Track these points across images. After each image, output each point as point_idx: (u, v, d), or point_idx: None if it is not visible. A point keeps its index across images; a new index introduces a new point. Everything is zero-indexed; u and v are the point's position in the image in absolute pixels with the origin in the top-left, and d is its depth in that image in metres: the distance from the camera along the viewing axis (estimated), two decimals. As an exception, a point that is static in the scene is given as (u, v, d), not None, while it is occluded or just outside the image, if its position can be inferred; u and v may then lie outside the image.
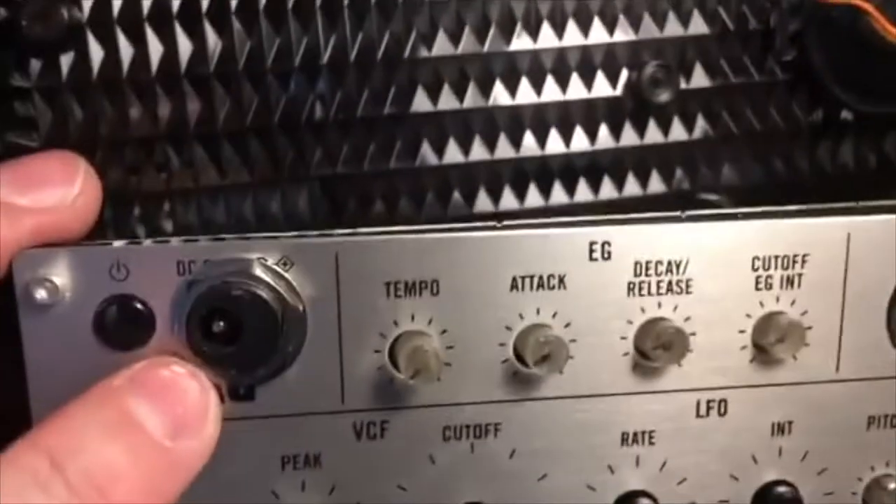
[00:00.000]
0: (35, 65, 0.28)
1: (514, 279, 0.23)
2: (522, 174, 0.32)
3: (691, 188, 0.33)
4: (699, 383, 0.24)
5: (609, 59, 0.31)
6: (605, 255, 0.23)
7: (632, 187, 0.33)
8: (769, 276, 0.23)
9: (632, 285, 0.23)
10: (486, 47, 0.31)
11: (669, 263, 0.23)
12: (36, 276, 0.21)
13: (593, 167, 0.32)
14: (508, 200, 0.32)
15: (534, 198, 0.32)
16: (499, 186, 0.32)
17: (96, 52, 0.29)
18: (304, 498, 0.23)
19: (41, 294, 0.21)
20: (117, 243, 0.22)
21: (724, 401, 0.24)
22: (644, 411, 0.24)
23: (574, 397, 0.24)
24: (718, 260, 0.23)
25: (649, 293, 0.23)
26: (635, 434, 0.24)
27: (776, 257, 0.23)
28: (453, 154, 0.31)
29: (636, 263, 0.23)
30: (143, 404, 0.20)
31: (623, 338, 0.23)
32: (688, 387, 0.24)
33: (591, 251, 0.23)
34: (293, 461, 0.23)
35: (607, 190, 0.33)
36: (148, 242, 0.22)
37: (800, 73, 0.33)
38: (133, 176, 0.30)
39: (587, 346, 0.23)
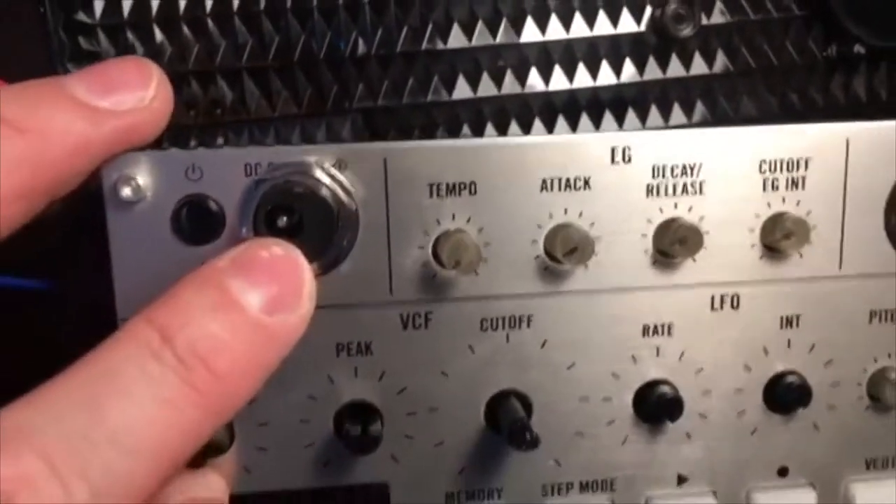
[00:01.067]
0: (98, 3, 0.32)
1: (543, 181, 0.26)
2: (551, 107, 0.35)
3: (711, 120, 0.36)
4: (713, 279, 0.27)
5: (634, -4, 0.34)
6: (626, 159, 0.26)
7: (654, 119, 0.36)
8: (775, 179, 0.26)
9: (650, 187, 0.26)
10: (517, -15, 0.34)
11: (684, 167, 0.26)
12: (122, 175, 0.25)
13: (618, 100, 0.35)
14: (538, 131, 0.35)
15: (562, 129, 0.35)
16: (529, 119, 0.35)
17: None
18: (357, 383, 0.27)
19: (126, 192, 0.24)
20: (190, 151, 0.25)
21: (737, 295, 0.27)
22: (663, 305, 0.27)
23: (599, 291, 0.27)
24: (729, 163, 0.26)
25: (666, 194, 0.26)
26: (655, 326, 0.27)
27: (781, 161, 0.26)
28: (487, 87, 0.35)
29: (654, 167, 0.26)
30: (243, 283, 0.22)
31: (643, 235, 0.26)
32: (703, 281, 0.27)
33: (613, 155, 0.26)
34: (346, 348, 0.27)
35: (631, 122, 0.36)
36: (216, 149, 0.25)
37: (815, 8, 0.35)
38: (190, 110, 0.33)
39: (610, 244, 0.26)
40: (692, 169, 0.26)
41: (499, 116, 0.35)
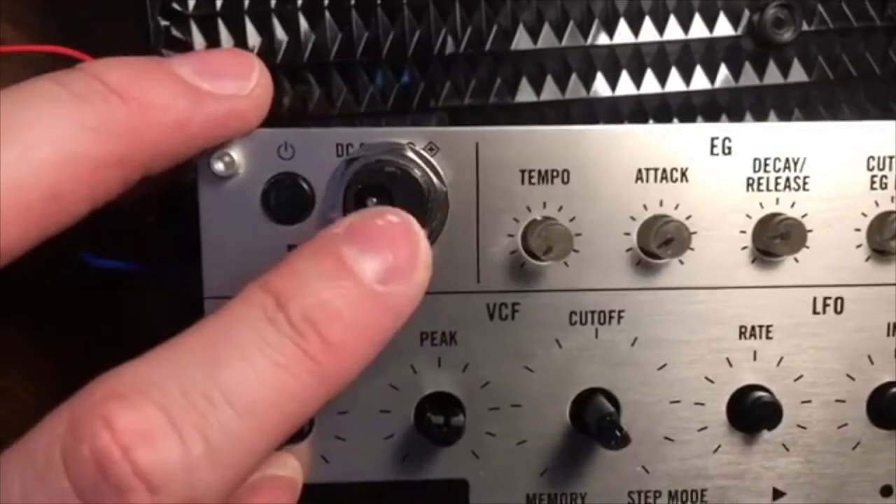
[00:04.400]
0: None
1: (638, 171, 0.26)
2: (642, 111, 0.35)
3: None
4: (816, 280, 0.27)
5: (731, 0, 0.34)
6: (726, 151, 0.26)
7: (749, 127, 0.35)
8: (884, 177, 0.26)
9: (751, 181, 0.26)
10: (611, -14, 0.34)
11: (787, 161, 0.26)
12: (216, 150, 0.25)
13: (712, 106, 0.35)
14: (628, 135, 0.35)
15: (653, 134, 0.35)
16: (619, 121, 0.35)
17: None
18: (440, 374, 0.27)
19: (219, 166, 0.25)
20: (283, 129, 0.26)
21: (841, 298, 0.27)
22: (762, 305, 0.27)
23: (694, 288, 0.27)
24: (835, 159, 0.26)
25: (767, 189, 0.26)
26: (753, 328, 0.27)
27: (891, 158, 0.26)
28: (575, 89, 0.34)
29: (755, 160, 0.26)
30: (357, 252, 0.23)
31: (742, 231, 0.26)
32: (805, 283, 0.27)
33: (713, 146, 0.26)
34: (431, 337, 0.27)
35: (725, 128, 0.35)
36: (308, 129, 0.26)
37: (921, 17, 0.35)
38: (278, 103, 0.34)
39: (707, 239, 0.26)
40: (796, 163, 0.26)
41: (587, 119, 0.35)
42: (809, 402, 0.27)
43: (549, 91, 0.35)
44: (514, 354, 0.27)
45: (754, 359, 0.27)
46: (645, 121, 0.35)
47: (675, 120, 0.35)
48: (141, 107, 0.23)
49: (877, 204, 0.26)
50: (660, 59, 0.35)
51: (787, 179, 0.26)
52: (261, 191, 0.26)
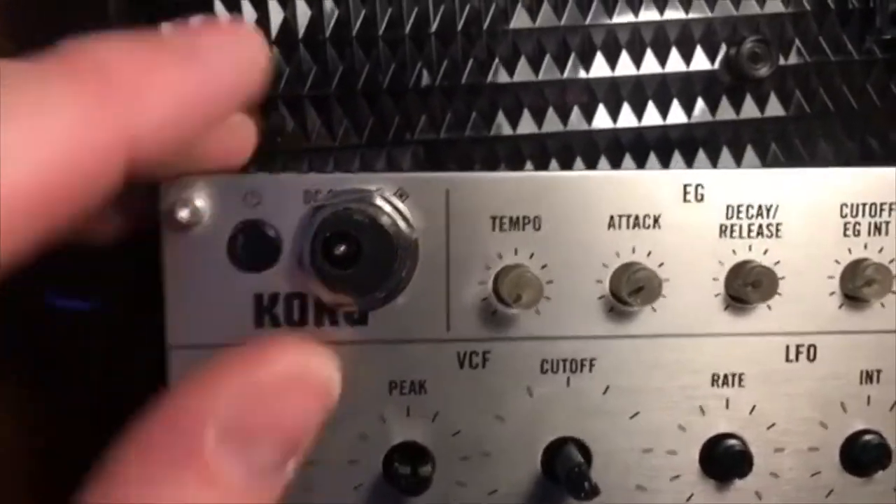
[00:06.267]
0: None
1: (611, 218, 0.25)
2: (618, 145, 0.35)
3: (786, 164, 0.35)
4: (788, 327, 0.26)
5: (708, 34, 0.34)
6: (699, 198, 0.25)
7: (726, 161, 0.35)
8: (857, 223, 0.26)
9: (723, 227, 0.26)
10: (587, 20, 0.34)
11: (760, 207, 0.25)
12: (180, 198, 0.25)
13: (689, 140, 0.35)
14: (604, 170, 0.35)
15: (628, 168, 0.35)
16: (595, 156, 0.35)
17: (222, 17, 0.32)
18: (409, 423, 0.26)
19: (183, 214, 0.25)
20: (250, 176, 0.25)
21: (814, 346, 0.27)
22: (735, 353, 0.27)
23: (667, 336, 0.26)
24: (808, 206, 0.26)
25: (740, 236, 0.26)
26: (726, 376, 0.27)
27: (864, 205, 0.26)
28: (552, 123, 0.34)
29: (728, 206, 0.25)
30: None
31: (715, 279, 0.26)
32: (777, 330, 0.26)
33: (685, 193, 0.25)
34: (400, 386, 0.26)
35: (701, 162, 0.35)
36: (276, 175, 0.25)
37: (899, 52, 0.35)
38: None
39: (680, 286, 0.26)
40: (769, 210, 0.26)
41: (563, 153, 0.35)
42: (782, 449, 0.27)
43: (526, 125, 0.35)
44: (485, 403, 0.27)
45: (727, 406, 0.27)
46: (622, 155, 0.35)
47: (652, 154, 0.35)
48: (137, 87, 0.21)
49: (850, 251, 0.26)
50: (637, 92, 0.35)
51: (760, 226, 0.26)
52: (226, 238, 0.25)
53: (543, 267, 0.26)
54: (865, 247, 0.26)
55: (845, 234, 0.26)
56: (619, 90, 0.35)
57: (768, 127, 0.36)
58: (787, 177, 0.26)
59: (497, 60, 0.34)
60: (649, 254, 0.26)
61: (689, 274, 0.26)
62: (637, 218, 0.26)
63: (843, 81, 0.35)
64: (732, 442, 0.27)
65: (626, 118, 0.35)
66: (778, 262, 0.26)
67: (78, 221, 0.20)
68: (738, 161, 0.36)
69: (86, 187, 0.20)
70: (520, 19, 0.34)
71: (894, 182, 0.26)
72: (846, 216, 0.26)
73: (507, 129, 0.34)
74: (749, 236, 0.26)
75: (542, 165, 0.35)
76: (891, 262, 0.26)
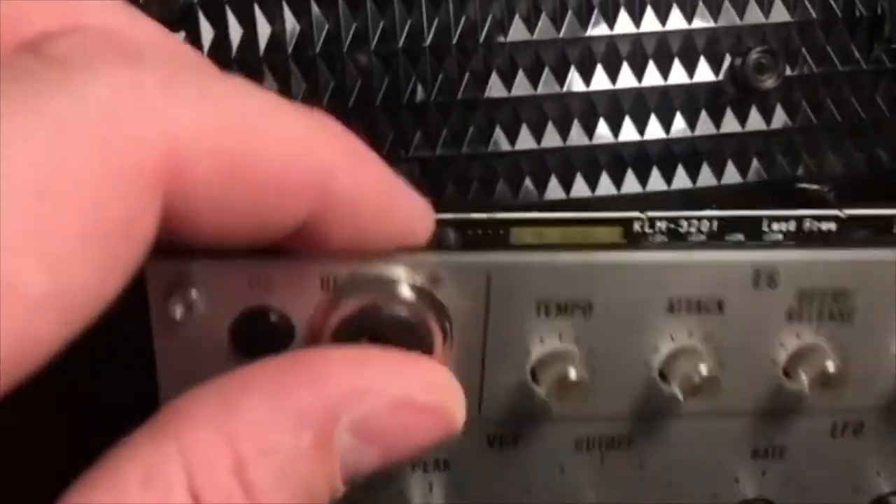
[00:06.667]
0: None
1: (669, 302, 0.23)
2: (620, 160, 0.34)
3: (792, 177, 0.34)
4: (842, 405, 0.25)
5: (712, 45, 0.33)
6: (770, 284, 0.23)
7: (731, 175, 0.34)
8: None
9: (791, 312, 0.24)
10: (587, 31, 0.32)
11: (835, 292, 0.24)
12: (172, 290, 0.22)
13: (692, 154, 0.34)
14: (605, 185, 0.34)
15: (630, 183, 0.34)
16: (596, 172, 0.34)
17: (207, 32, 0.31)
18: (430, 498, 0.25)
19: (178, 310, 0.21)
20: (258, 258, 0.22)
21: (862, 423, 0.26)
22: (781, 429, 0.25)
23: (714, 415, 0.25)
24: (886, 291, 0.24)
25: (809, 321, 0.24)
26: (766, 450, 0.26)
27: None
28: (552, 138, 0.33)
29: (800, 291, 0.24)
30: None
31: (773, 362, 0.24)
32: (829, 408, 0.25)
33: (756, 279, 0.23)
34: (423, 466, 0.25)
35: (705, 177, 0.34)
36: (289, 258, 0.22)
37: (909, 62, 0.34)
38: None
39: (736, 369, 0.24)
40: (843, 295, 0.24)
41: (563, 168, 0.34)
42: None
43: (524, 140, 0.33)
44: (514, 480, 0.25)
45: (763, 475, 0.26)
46: (624, 170, 0.34)
47: (655, 169, 0.34)
48: None
49: None
50: (639, 105, 0.34)
51: (831, 312, 0.23)
52: (228, 327, 0.22)
53: (589, 351, 0.23)
54: None
55: None
56: (621, 103, 0.34)
57: (775, 139, 0.34)
58: (866, 256, 0.24)
59: (494, 74, 0.33)
60: (706, 338, 0.24)
61: (748, 358, 0.24)
62: (699, 303, 0.23)
63: (852, 92, 0.34)
64: None
65: (628, 132, 0.34)
66: (844, 346, 0.24)
67: None
68: (744, 174, 0.35)
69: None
70: (517, 31, 0.33)
71: None
72: None
73: (505, 145, 0.33)
74: (819, 320, 0.24)
75: (541, 182, 0.34)
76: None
